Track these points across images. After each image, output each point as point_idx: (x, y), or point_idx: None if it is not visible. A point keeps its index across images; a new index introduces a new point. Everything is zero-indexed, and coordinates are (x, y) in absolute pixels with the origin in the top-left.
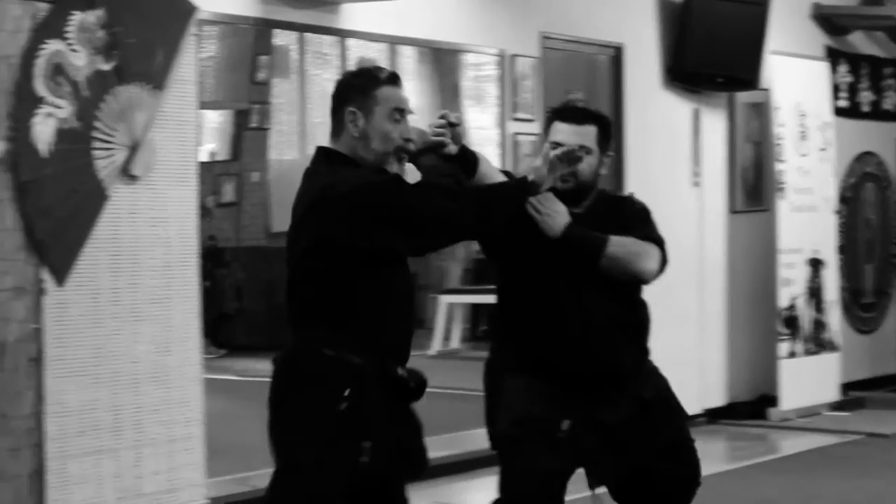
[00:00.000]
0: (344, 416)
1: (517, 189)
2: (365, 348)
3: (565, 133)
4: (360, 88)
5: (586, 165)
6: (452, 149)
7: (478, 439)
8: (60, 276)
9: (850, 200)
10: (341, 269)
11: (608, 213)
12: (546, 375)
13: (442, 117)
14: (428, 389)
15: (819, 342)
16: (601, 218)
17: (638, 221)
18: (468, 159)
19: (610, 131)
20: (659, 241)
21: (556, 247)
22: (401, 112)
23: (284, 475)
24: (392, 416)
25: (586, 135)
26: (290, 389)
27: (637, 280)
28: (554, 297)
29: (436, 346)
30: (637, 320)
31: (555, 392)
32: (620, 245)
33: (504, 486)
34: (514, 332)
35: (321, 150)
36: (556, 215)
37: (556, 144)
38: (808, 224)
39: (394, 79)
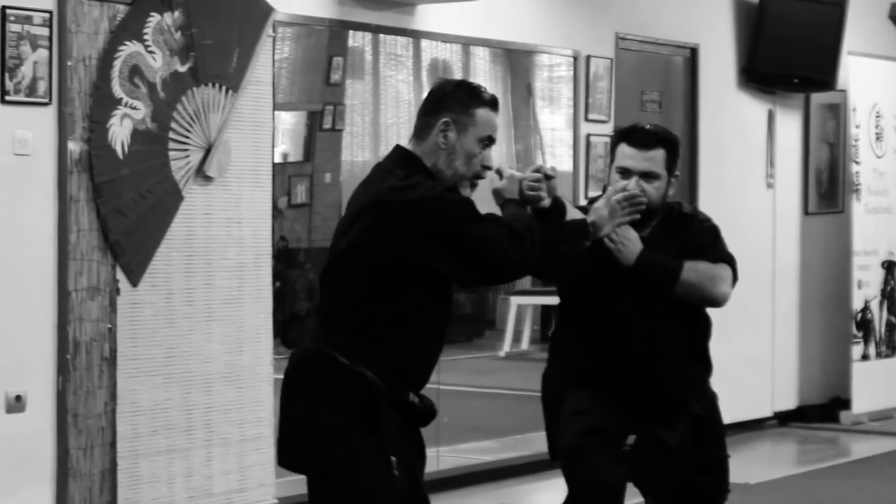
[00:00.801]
0: (365, 426)
1: (576, 233)
2: (380, 365)
3: (633, 159)
4: (462, 102)
5: (653, 190)
6: (546, 203)
7: (545, 441)
8: (135, 276)
9: None
10: (381, 276)
11: (675, 233)
12: (610, 394)
13: (538, 170)
14: (497, 391)
15: (892, 345)
16: (668, 239)
17: (708, 241)
18: (558, 210)
19: (678, 152)
20: (730, 261)
21: (627, 272)
22: (490, 139)
23: (323, 485)
24: (407, 439)
25: (654, 160)
26: (303, 393)
27: (711, 305)
28: (621, 320)
29: (505, 347)
30: (702, 340)
31: (618, 408)
32: (694, 271)
33: (572, 497)
34: (578, 352)
35: (400, 151)
36: (629, 244)
37: (624, 170)
38: (882, 226)
39: (495, 104)
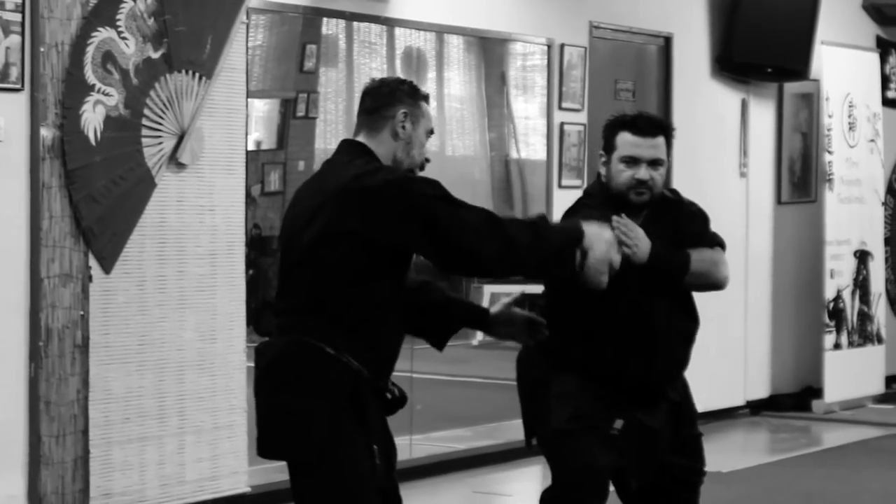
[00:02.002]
0: (352, 415)
1: (568, 241)
2: (361, 353)
3: (640, 147)
4: (412, 96)
5: (659, 177)
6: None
7: (519, 430)
8: (107, 263)
9: None
10: (357, 263)
11: (666, 219)
12: (597, 379)
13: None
14: (470, 379)
15: (864, 334)
16: (660, 226)
17: (700, 227)
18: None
19: (672, 138)
20: (722, 244)
21: (631, 266)
22: (432, 132)
23: (314, 473)
24: (383, 426)
25: (658, 147)
26: (290, 384)
27: (716, 289)
28: (621, 308)
29: (479, 335)
30: (695, 328)
31: (605, 393)
32: (700, 260)
33: (558, 479)
34: (570, 339)
35: (353, 143)
36: (641, 243)
37: (630, 159)
38: (855, 215)
39: (429, 100)
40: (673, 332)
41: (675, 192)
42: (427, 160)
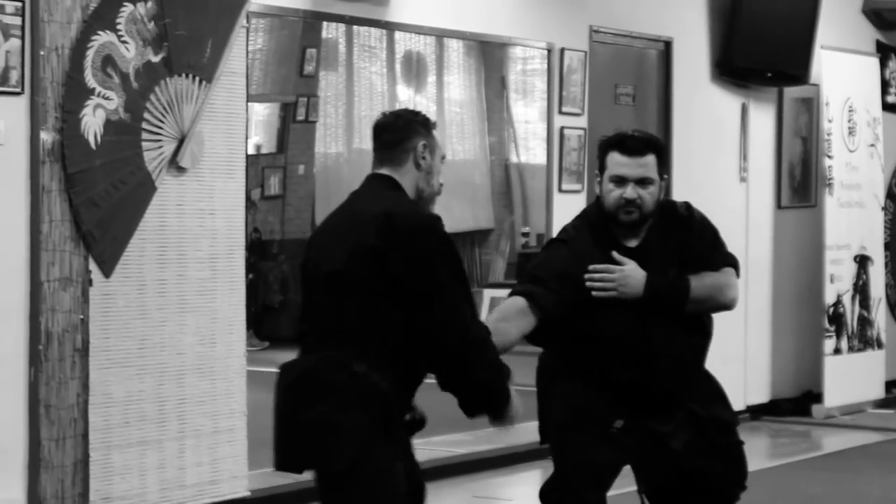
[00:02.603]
0: (383, 433)
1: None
2: (387, 374)
3: (627, 167)
4: (425, 126)
5: (648, 195)
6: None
7: (520, 434)
8: (107, 267)
9: None
10: (380, 289)
11: (671, 233)
12: (607, 388)
13: None
14: None
15: (864, 339)
16: (665, 239)
17: (709, 247)
18: None
19: (666, 156)
20: (734, 263)
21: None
22: (443, 158)
23: (349, 485)
24: (408, 448)
25: (647, 166)
26: (322, 398)
27: (723, 310)
28: (620, 327)
29: None
30: (703, 343)
31: (610, 397)
32: (702, 286)
33: (556, 471)
34: (571, 353)
35: (380, 177)
36: (631, 280)
37: (618, 178)
38: (855, 220)
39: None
40: (675, 349)
41: (688, 206)
42: (441, 185)
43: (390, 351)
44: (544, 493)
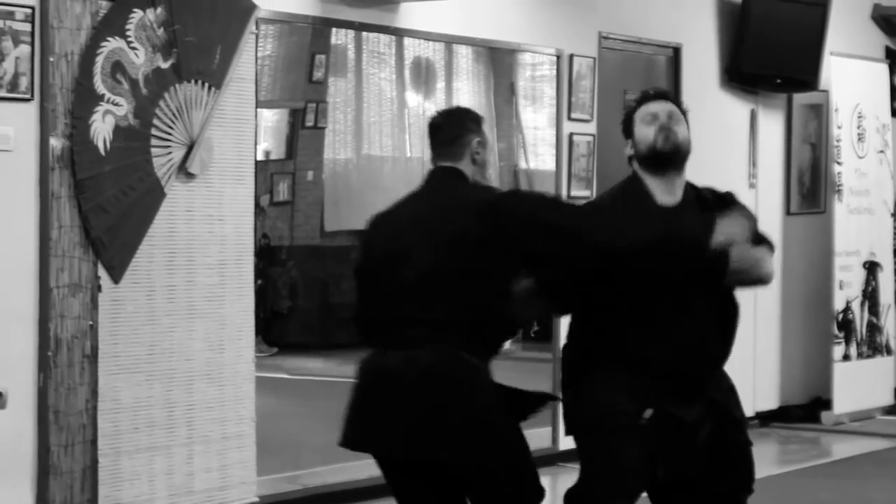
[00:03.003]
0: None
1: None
2: (489, 362)
3: (656, 106)
4: (479, 123)
5: (679, 131)
6: None
7: (533, 439)
8: (116, 273)
9: None
10: (498, 277)
11: (709, 206)
12: (627, 365)
13: None
14: None
15: (873, 346)
16: (696, 211)
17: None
18: None
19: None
20: (770, 243)
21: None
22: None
23: (510, 475)
24: None
25: (673, 109)
26: (457, 394)
27: (760, 284)
28: (666, 300)
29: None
30: (734, 312)
31: (640, 384)
32: (741, 255)
33: (585, 476)
34: (598, 326)
35: (451, 169)
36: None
37: (651, 116)
38: (864, 226)
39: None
40: (707, 326)
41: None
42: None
43: (492, 339)
44: (571, 498)
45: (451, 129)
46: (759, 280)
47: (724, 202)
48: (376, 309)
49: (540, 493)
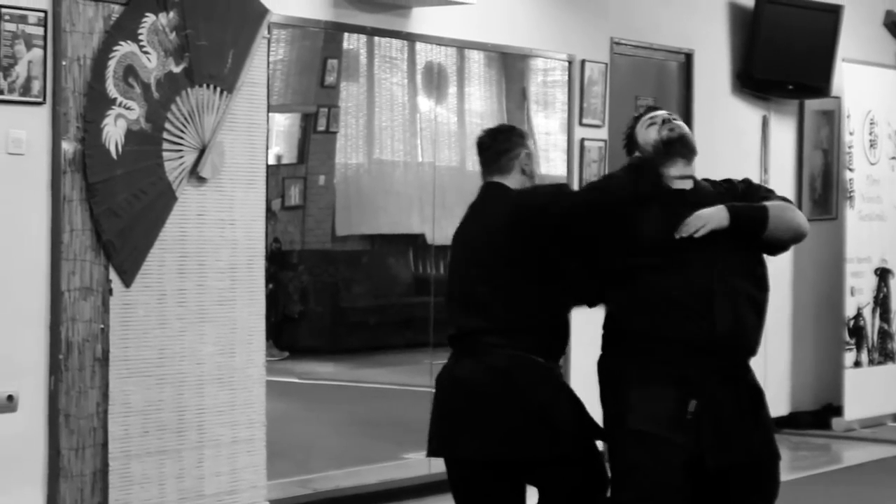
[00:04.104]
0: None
1: None
2: (558, 359)
3: (654, 112)
4: (523, 137)
5: (684, 125)
6: None
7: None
8: (128, 276)
9: None
10: (546, 278)
11: (723, 191)
12: (664, 345)
13: None
14: None
15: (885, 352)
16: (711, 195)
17: (763, 194)
18: None
19: None
20: (790, 201)
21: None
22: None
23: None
24: None
25: (671, 113)
26: (534, 393)
27: (799, 236)
28: (701, 280)
29: None
30: (764, 297)
31: (682, 373)
32: (776, 209)
33: (626, 487)
34: (631, 309)
35: (498, 185)
36: (713, 214)
37: (651, 119)
38: (875, 233)
39: None
40: (737, 296)
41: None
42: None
43: (559, 338)
44: None
45: (499, 145)
46: (799, 228)
47: (739, 188)
48: (455, 321)
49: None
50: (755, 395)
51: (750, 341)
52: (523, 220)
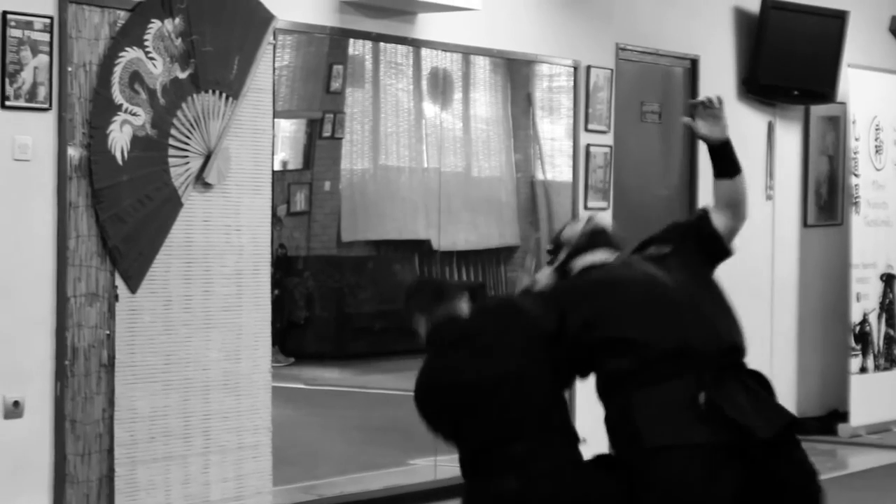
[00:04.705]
0: None
1: None
2: None
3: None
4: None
5: None
6: None
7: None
8: (133, 282)
9: None
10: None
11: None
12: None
13: None
14: None
15: (891, 358)
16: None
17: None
18: None
19: None
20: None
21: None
22: None
23: None
24: None
25: None
26: None
27: (740, 220)
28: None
29: None
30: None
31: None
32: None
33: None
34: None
35: None
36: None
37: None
38: (881, 238)
39: None
40: (703, 299)
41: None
42: None
43: None
44: None
45: None
46: (745, 214)
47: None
48: None
49: None
50: (758, 376)
51: (739, 337)
52: None
